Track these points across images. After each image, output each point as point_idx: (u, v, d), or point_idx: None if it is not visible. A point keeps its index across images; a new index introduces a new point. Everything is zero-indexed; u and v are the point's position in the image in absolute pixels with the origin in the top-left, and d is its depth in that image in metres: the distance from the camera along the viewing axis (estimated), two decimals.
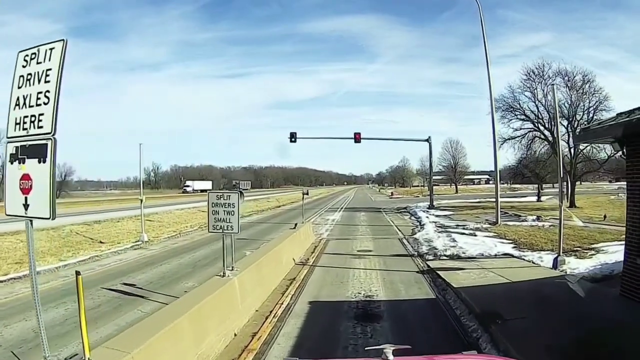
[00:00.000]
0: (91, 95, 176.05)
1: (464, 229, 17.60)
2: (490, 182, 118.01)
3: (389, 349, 2.17)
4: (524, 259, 10.85)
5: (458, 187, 74.15)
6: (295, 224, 13.52)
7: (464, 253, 11.73)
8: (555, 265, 9.86)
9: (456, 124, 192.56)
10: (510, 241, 13.76)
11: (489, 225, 18.09)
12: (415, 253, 12.33)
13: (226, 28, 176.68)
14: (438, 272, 9.16)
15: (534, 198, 36.24)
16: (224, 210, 6.24)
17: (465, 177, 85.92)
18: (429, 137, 31.70)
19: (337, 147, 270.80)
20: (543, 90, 28.51)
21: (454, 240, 13.85)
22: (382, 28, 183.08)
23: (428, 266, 10.13)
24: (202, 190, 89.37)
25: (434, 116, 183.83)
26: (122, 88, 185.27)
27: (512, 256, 11.35)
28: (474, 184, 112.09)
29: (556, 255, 10.04)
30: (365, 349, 2.49)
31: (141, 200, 17.62)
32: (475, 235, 15.33)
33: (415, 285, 8.35)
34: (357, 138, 29.23)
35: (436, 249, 12.44)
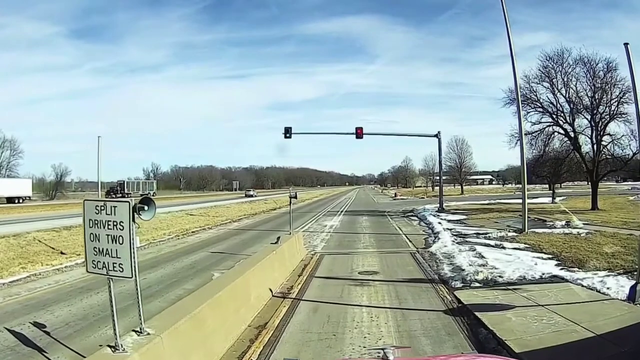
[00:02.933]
0: (92, 96, 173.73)
1: (486, 238, 14.78)
2: (494, 182, 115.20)
3: (389, 349, 2.15)
4: (582, 285, 8.11)
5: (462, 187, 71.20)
6: (278, 238, 10.51)
7: (500, 276, 8.82)
8: (632, 297, 7.08)
9: (456, 124, 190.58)
10: (551, 255, 11.06)
11: (514, 234, 15.23)
12: (436, 277, 9.29)
13: (225, 30, 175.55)
14: (476, 313, 6.25)
15: (546, 199, 33.55)
16: (108, 235, 3.32)
17: (469, 177, 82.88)
18: (438, 132, 28.84)
19: (338, 148, 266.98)
20: (563, 79, 25.98)
21: (482, 256, 10.93)
22: (380, 29, 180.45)
23: (458, 300, 7.17)
24: (9, 199, 45.60)
25: (434, 116, 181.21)
26: (123, 89, 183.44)
27: (563, 279, 8.62)
28: (477, 184, 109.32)
29: (634, 282, 7.24)
30: (366, 349, 2.50)
31: None
32: (504, 248, 12.47)
33: (448, 341, 5.36)
34: (359, 133, 26.41)
35: (462, 269, 9.50)
